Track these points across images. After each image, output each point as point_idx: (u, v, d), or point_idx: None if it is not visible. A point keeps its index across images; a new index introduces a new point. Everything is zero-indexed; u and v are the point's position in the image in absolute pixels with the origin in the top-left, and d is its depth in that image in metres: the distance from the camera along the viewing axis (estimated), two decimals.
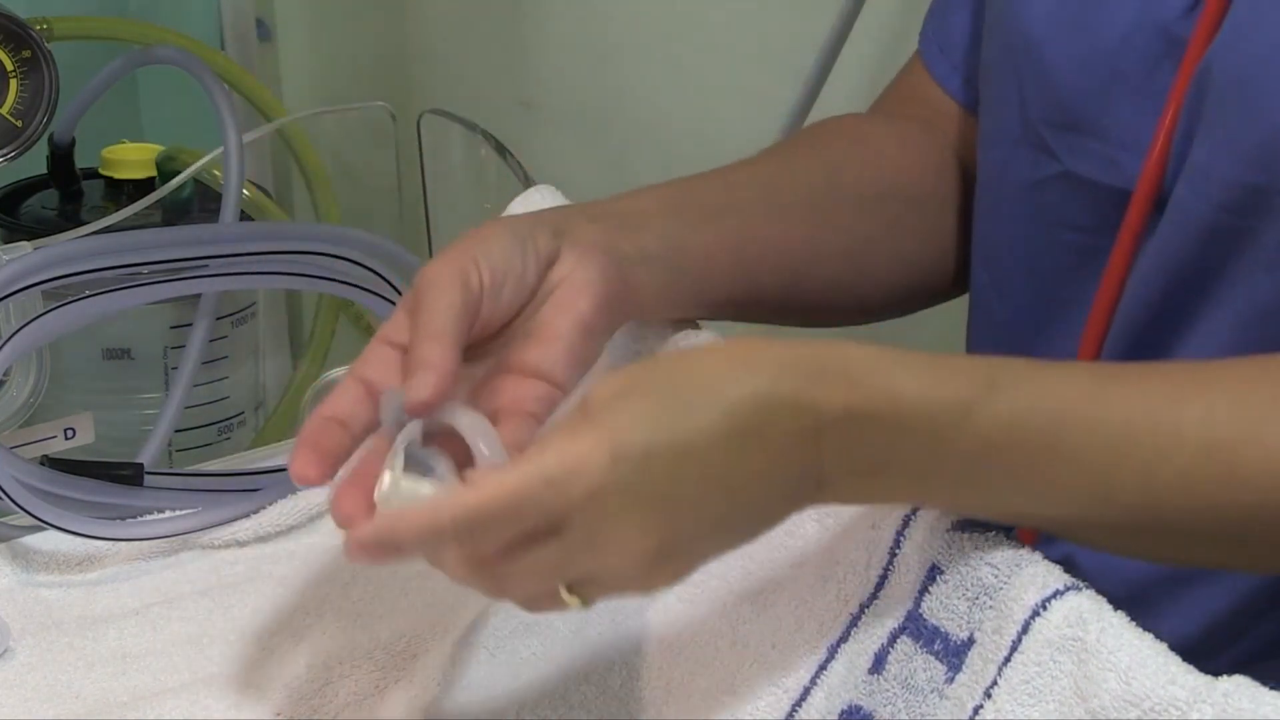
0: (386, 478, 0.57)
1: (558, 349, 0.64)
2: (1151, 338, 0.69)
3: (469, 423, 0.59)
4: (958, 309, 0.85)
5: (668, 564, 0.55)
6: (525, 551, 0.53)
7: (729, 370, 0.54)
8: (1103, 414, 0.55)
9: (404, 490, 0.57)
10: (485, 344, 0.65)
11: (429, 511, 0.53)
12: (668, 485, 0.53)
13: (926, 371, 0.55)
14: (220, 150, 0.97)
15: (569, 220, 0.68)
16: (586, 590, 0.55)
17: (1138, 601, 0.56)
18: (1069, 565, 0.56)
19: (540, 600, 0.56)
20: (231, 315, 1.12)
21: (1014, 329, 0.77)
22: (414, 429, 0.60)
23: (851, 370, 0.54)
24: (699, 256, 0.71)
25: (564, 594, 0.55)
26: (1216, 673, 0.50)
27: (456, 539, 0.53)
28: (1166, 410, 0.55)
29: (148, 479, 0.82)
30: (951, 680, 0.56)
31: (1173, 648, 0.52)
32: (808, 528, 0.63)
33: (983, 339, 0.81)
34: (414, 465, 0.58)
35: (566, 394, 0.64)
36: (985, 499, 0.57)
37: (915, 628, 0.58)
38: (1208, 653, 0.54)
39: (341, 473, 0.61)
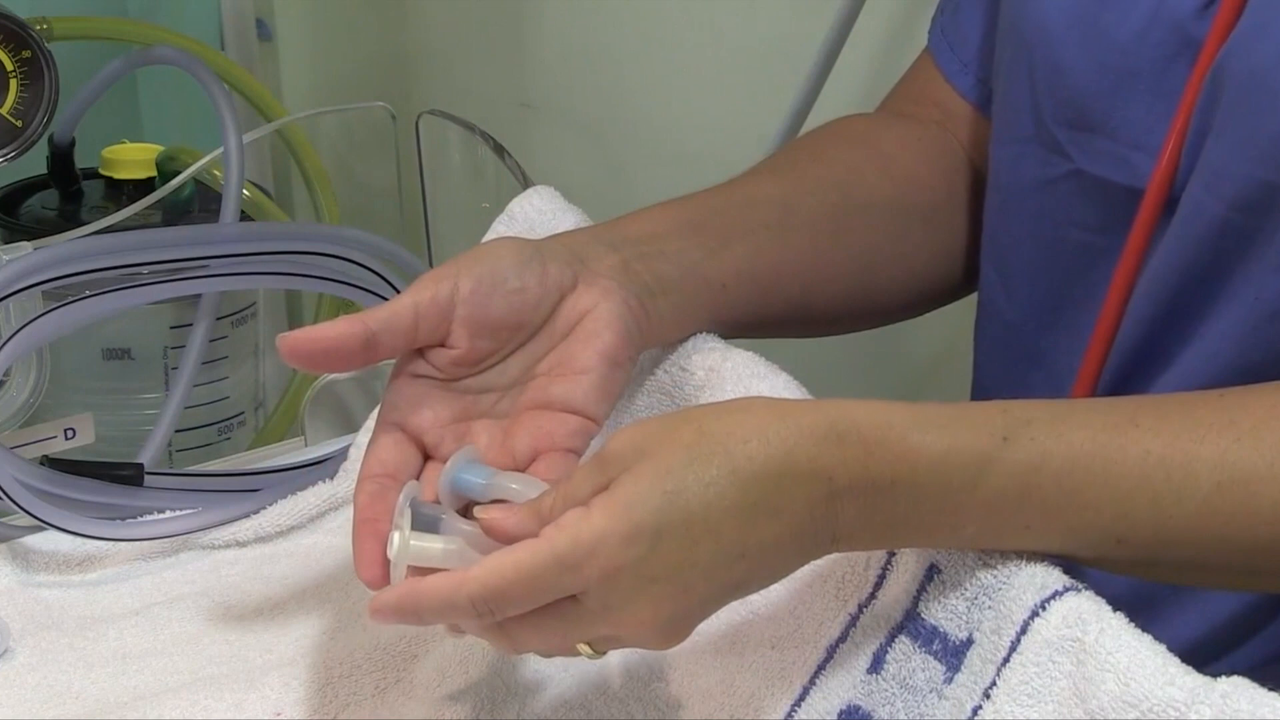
0: (395, 539, 0.58)
1: (587, 383, 0.65)
2: (1160, 337, 0.69)
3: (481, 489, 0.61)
4: (965, 308, 0.85)
5: (682, 625, 0.56)
6: (541, 619, 0.55)
7: (744, 439, 0.54)
8: (1117, 457, 0.55)
9: (414, 549, 0.58)
10: (494, 356, 0.65)
11: (448, 588, 0.55)
12: (681, 561, 0.54)
13: (940, 429, 0.55)
14: (220, 150, 0.97)
15: (587, 247, 0.68)
16: (602, 646, 0.57)
17: (1143, 605, 0.56)
18: (1073, 568, 0.56)
19: (556, 654, 0.58)
20: (231, 315, 1.12)
21: (1022, 328, 0.77)
22: (415, 485, 0.61)
23: (866, 435, 0.55)
24: (715, 285, 0.72)
25: (580, 648, 0.57)
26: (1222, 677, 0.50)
27: (474, 612, 0.55)
28: (1181, 450, 0.55)
29: (148, 479, 0.82)
30: (950, 680, 0.56)
31: (1178, 651, 0.52)
32: None
33: (990, 338, 0.81)
34: (420, 517, 0.59)
35: (600, 425, 0.65)
36: (1001, 544, 0.57)
37: (914, 628, 0.58)
38: (1213, 656, 0.54)
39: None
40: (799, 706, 0.60)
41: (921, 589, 0.58)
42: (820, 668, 0.60)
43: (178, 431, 1.01)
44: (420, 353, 0.64)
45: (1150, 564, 0.57)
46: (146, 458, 0.86)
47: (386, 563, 0.59)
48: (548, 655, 0.60)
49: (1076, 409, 0.57)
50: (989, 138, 0.79)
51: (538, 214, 0.79)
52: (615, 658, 0.67)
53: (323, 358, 0.63)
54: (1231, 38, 0.65)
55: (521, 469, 0.63)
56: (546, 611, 0.55)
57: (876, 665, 0.58)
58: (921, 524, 0.56)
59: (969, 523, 0.56)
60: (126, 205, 1.02)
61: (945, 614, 0.57)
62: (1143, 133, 0.69)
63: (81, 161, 1.16)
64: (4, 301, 0.77)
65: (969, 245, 0.82)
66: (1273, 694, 0.49)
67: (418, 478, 0.63)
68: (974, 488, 0.55)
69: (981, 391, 0.82)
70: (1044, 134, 0.73)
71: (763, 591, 0.63)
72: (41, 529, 0.79)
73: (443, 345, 0.64)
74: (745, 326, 0.74)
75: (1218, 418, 0.56)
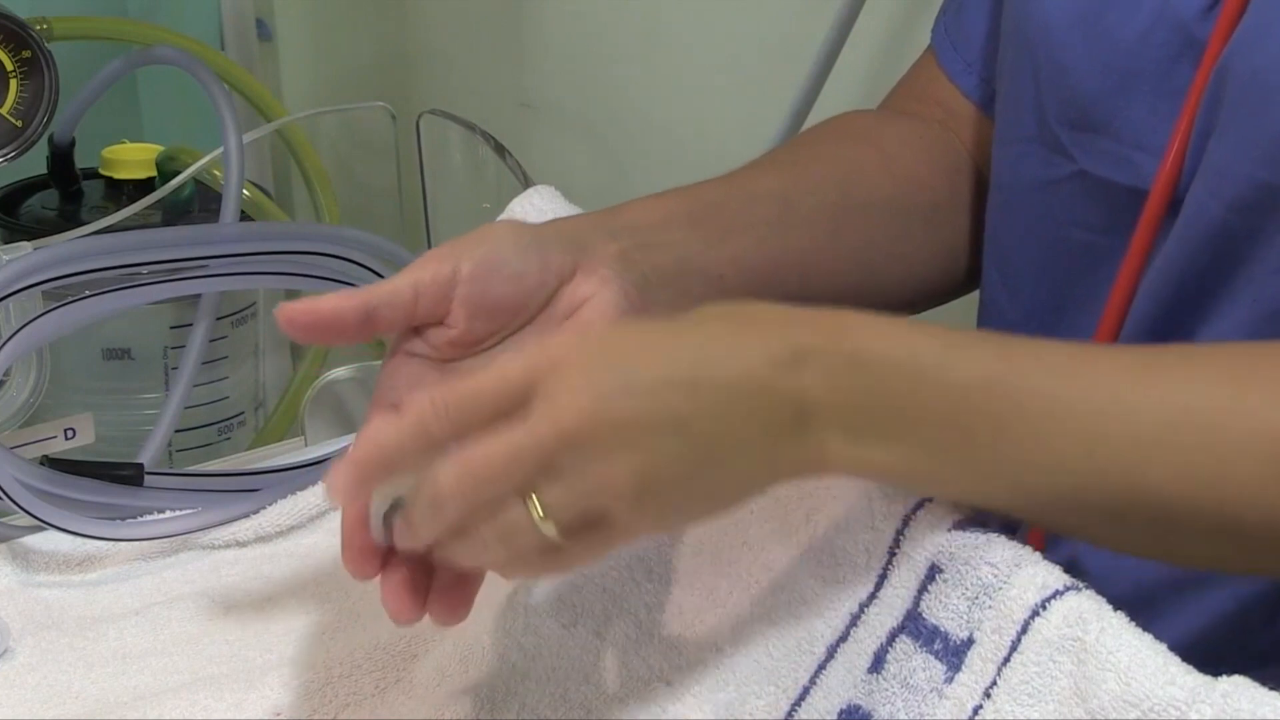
0: (374, 506, 0.58)
1: None
2: (1162, 338, 0.69)
3: None
4: (966, 306, 0.85)
5: (633, 455, 0.54)
6: (501, 434, 0.53)
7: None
8: (1092, 379, 0.55)
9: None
10: (491, 339, 0.65)
11: (415, 408, 0.54)
12: (631, 363, 0.54)
13: (911, 325, 0.56)
14: (220, 150, 0.97)
15: (588, 235, 0.68)
16: (557, 499, 0.54)
17: (1144, 604, 0.56)
18: (1075, 567, 0.56)
19: (517, 532, 0.54)
20: (231, 315, 1.12)
21: (1024, 327, 0.77)
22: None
23: (841, 317, 0.56)
24: (712, 276, 0.71)
25: (536, 514, 0.53)
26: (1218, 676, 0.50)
27: (437, 420, 0.54)
28: (1140, 384, 0.55)
29: (148, 479, 0.82)
30: (951, 680, 0.56)
31: (1178, 651, 0.52)
32: (807, 527, 0.63)
33: None
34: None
35: None
36: (966, 460, 0.56)
37: (915, 627, 0.58)
38: (1214, 656, 0.54)
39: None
40: (799, 706, 0.60)
41: (922, 588, 0.58)
42: (821, 667, 0.60)
43: (178, 431, 1.01)
44: (417, 332, 0.65)
45: (1119, 516, 0.56)
46: (146, 458, 0.86)
47: (375, 553, 0.58)
48: (511, 543, 0.55)
49: (1053, 345, 0.57)
50: (991, 137, 0.79)
51: (538, 213, 0.79)
52: (614, 654, 0.67)
53: (320, 329, 0.63)
54: (1234, 38, 0.65)
55: None
56: (505, 424, 0.53)
57: (877, 665, 0.58)
58: (888, 411, 0.55)
59: (928, 423, 0.55)
60: (126, 205, 1.02)
61: (946, 613, 0.57)
62: (1146, 133, 0.69)
63: (81, 161, 1.16)
64: (4, 301, 0.77)
65: (970, 244, 0.82)
66: (1274, 693, 0.49)
67: None
68: (943, 374, 0.55)
69: None
70: (1047, 134, 0.73)
71: (762, 589, 0.64)
72: (41, 529, 0.79)
73: (441, 325, 0.64)
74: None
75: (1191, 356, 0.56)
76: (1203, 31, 0.67)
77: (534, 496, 0.53)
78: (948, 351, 0.55)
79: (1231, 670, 0.51)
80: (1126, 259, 0.70)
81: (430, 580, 0.60)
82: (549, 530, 0.54)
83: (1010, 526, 0.59)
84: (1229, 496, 0.54)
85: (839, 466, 0.57)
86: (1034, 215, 0.75)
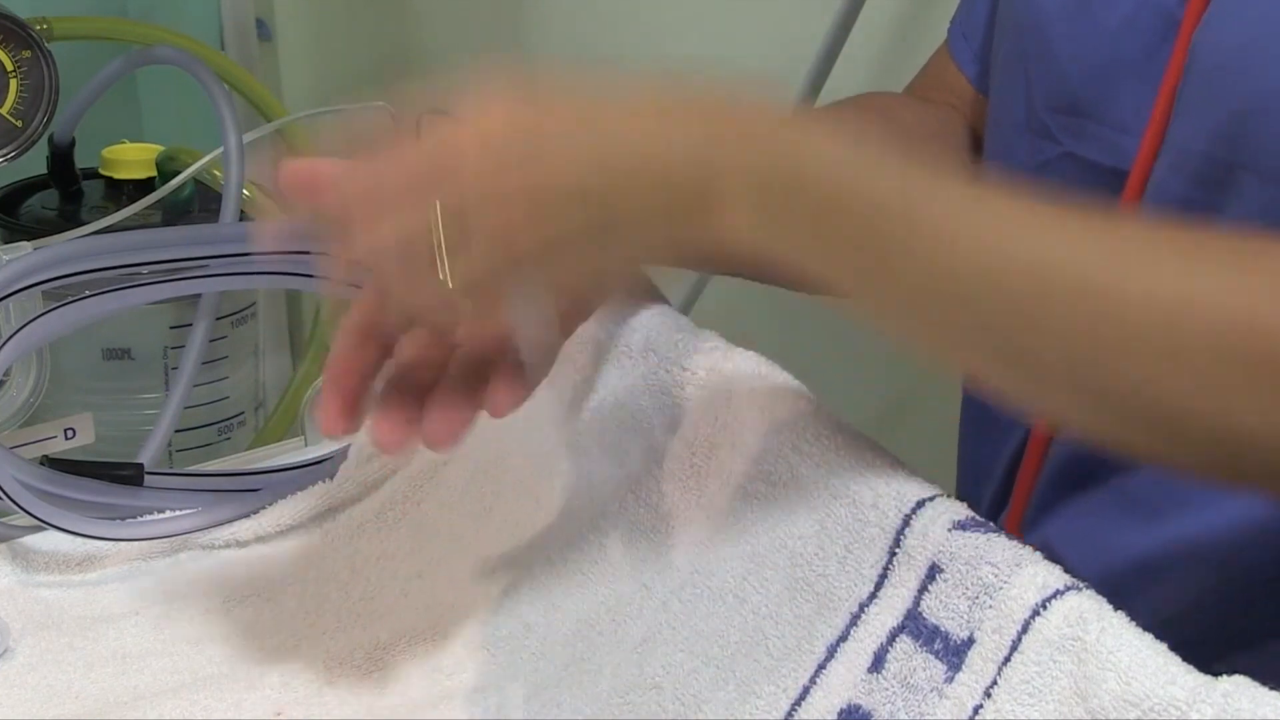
0: None
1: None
2: None
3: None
4: None
5: (539, 223, 0.55)
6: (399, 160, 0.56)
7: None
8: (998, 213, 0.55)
9: None
10: None
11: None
12: (527, 92, 0.56)
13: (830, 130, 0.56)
14: (220, 150, 0.97)
15: None
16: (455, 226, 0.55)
17: (1112, 590, 0.56)
18: (1046, 552, 0.56)
19: (411, 245, 0.56)
20: (231, 315, 1.12)
21: None
22: None
23: (766, 119, 0.57)
24: None
25: (438, 234, 0.55)
26: (1194, 662, 0.50)
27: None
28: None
29: (148, 479, 0.82)
30: (951, 680, 0.56)
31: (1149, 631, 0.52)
32: (807, 526, 0.63)
33: None
34: None
35: None
36: (873, 264, 0.56)
37: (915, 626, 0.58)
38: (1182, 643, 0.54)
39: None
40: (799, 706, 0.60)
41: (923, 588, 0.58)
42: (821, 666, 0.60)
43: (178, 431, 1.01)
44: None
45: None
46: (146, 458, 0.86)
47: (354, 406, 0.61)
48: (405, 255, 0.58)
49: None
50: None
51: None
52: (613, 653, 0.67)
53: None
54: (1204, 19, 0.66)
55: None
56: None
57: (877, 664, 0.58)
58: (802, 208, 0.55)
59: (842, 228, 0.55)
60: (126, 205, 1.02)
61: (947, 613, 0.57)
62: (1130, 116, 0.70)
63: (81, 161, 1.16)
64: (4, 301, 0.77)
65: None
66: (1274, 693, 0.49)
67: None
68: (875, 170, 0.55)
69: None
70: (1035, 121, 0.74)
71: (762, 590, 0.63)
72: (41, 529, 0.79)
73: None
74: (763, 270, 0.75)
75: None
76: (1180, 13, 0.68)
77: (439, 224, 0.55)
78: (881, 155, 0.55)
79: (1200, 657, 0.51)
80: None
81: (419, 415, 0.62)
82: (456, 286, 0.56)
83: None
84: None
85: (740, 243, 0.57)
86: None
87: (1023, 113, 0.75)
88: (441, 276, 0.55)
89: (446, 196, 0.55)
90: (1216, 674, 0.50)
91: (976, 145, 0.84)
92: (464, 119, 0.56)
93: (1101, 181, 0.72)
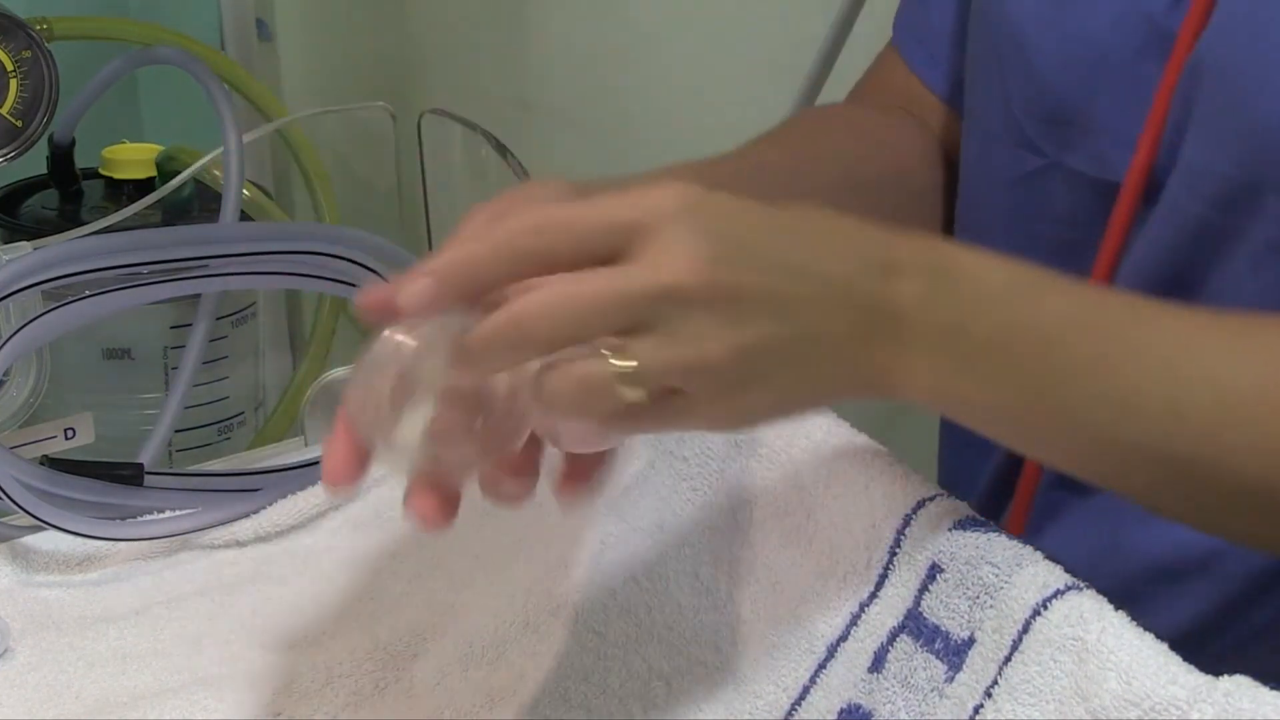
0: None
1: None
2: None
3: None
4: None
5: (733, 329, 0.51)
6: (601, 272, 0.50)
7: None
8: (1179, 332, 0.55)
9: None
10: None
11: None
12: (741, 233, 0.52)
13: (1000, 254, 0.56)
14: (220, 150, 0.97)
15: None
16: (646, 354, 0.50)
17: (1125, 598, 0.56)
18: (1054, 562, 0.56)
19: (591, 382, 0.50)
20: (231, 315, 1.12)
21: None
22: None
23: (934, 237, 0.55)
24: None
25: (620, 365, 0.50)
26: (1204, 665, 0.50)
27: (525, 235, 0.51)
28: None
29: (148, 479, 0.82)
30: (952, 679, 0.56)
31: (1166, 641, 0.52)
32: (807, 526, 0.63)
33: None
34: None
35: None
36: (1055, 401, 0.55)
37: (915, 626, 0.58)
38: (1195, 646, 0.54)
39: None
40: (799, 705, 0.60)
41: (923, 588, 0.58)
42: (821, 666, 0.60)
43: (178, 431, 1.00)
44: None
45: (1188, 478, 0.55)
46: (146, 458, 0.86)
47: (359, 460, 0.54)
48: (589, 387, 0.51)
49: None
50: (959, 130, 0.79)
51: None
52: (614, 653, 0.67)
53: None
54: (1206, 32, 0.65)
55: None
56: (600, 272, 0.50)
57: (878, 664, 0.58)
58: (979, 342, 0.53)
59: (1020, 358, 0.54)
60: (126, 205, 1.02)
61: (947, 613, 0.57)
62: (1116, 126, 0.69)
63: (81, 161, 1.16)
64: (4, 301, 0.77)
65: (948, 231, 0.82)
66: (1275, 693, 0.49)
67: None
68: (1040, 299, 0.54)
69: None
70: (1014, 130, 0.73)
71: (762, 590, 0.63)
72: (41, 529, 0.79)
73: None
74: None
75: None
76: (1171, 23, 0.67)
77: (618, 352, 0.50)
78: (1041, 280, 0.54)
79: (1212, 659, 0.51)
80: (1101, 252, 0.70)
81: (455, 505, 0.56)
82: (629, 387, 0.50)
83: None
84: None
85: (920, 392, 0.55)
86: (1004, 210, 0.75)
87: (1000, 121, 0.74)
88: (621, 389, 0.50)
89: (642, 308, 0.50)
90: (1218, 674, 0.50)
91: (943, 155, 0.82)
92: (660, 230, 0.51)
93: (1090, 194, 0.71)
